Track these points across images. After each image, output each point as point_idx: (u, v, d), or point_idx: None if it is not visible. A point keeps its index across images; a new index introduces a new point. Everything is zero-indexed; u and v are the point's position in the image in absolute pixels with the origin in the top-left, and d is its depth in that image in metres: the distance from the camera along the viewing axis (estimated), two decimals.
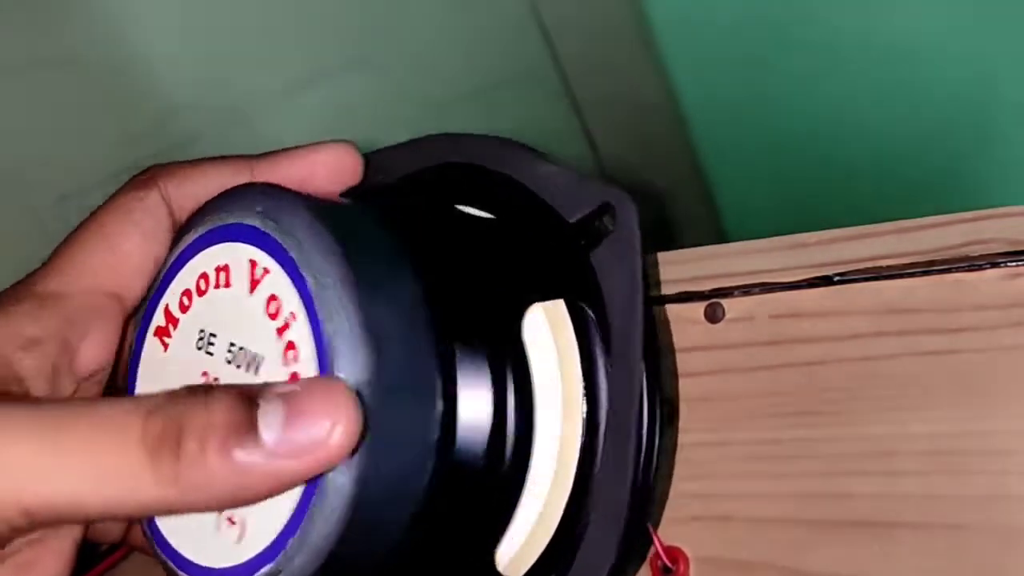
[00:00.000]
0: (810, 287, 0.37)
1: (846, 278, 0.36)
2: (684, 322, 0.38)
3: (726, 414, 0.37)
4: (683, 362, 0.38)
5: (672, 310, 0.38)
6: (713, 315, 0.38)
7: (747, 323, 0.37)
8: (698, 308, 0.38)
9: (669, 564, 0.37)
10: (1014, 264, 0.34)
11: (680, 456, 0.37)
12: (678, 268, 0.38)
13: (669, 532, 0.37)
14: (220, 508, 0.28)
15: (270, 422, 0.26)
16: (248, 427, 0.26)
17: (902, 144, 0.74)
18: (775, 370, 0.37)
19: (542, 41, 0.79)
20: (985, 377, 0.34)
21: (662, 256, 0.39)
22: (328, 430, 0.26)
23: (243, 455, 0.26)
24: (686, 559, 0.37)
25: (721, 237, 0.83)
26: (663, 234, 0.81)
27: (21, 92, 0.53)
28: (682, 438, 0.38)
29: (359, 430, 0.26)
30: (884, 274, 0.36)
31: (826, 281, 0.36)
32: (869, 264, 0.36)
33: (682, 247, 0.39)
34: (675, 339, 0.38)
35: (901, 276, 0.35)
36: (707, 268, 0.38)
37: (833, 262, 0.36)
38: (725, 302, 0.38)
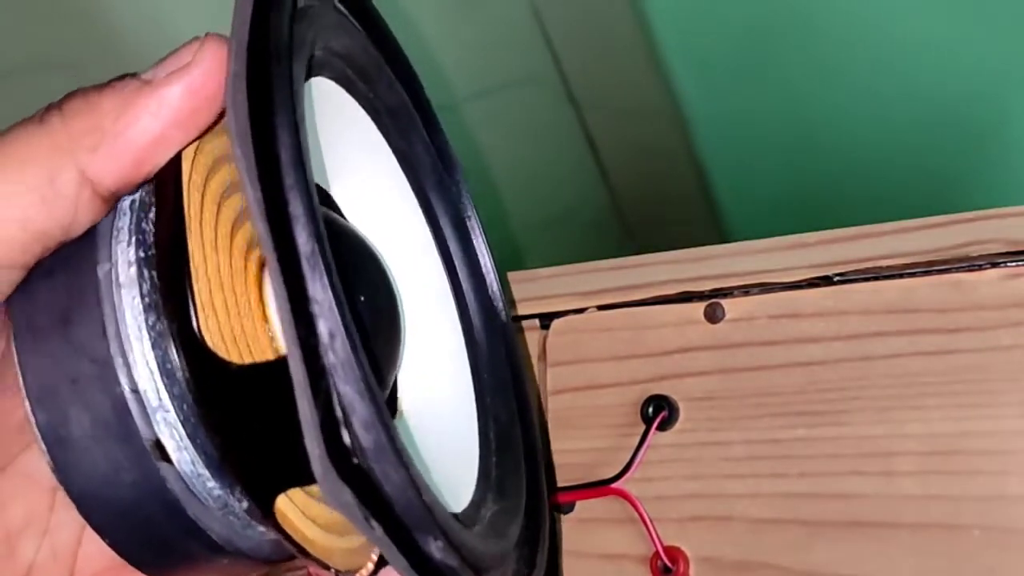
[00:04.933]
0: (810, 287, 0.37)
1: (846, 278, 0.36)
2: (684, 322, 0.38)
3: (726, 414, 0.37)
4: (683, 362, 0.38)
5: (672, 310, 0.38)
6: (713, 315, 0.38)
7: (747, 323, 0.37)
8: (698, 308, 0.38)
9: (669, 564, 0.37)
10: (1014, 264, 0.34)
11: (680, 456, 0.38)
12: (678, 268, 0.38)
13: (669, 532, 0.37)
14: (126, 160, 0.27)
15: (147, 71, 0.28)
16: (127, 76, 0.28)
17: (902, 144, 0.74)
18: (775, 370, 0.37)
19: (544, 45, 0.79)
20: (984, 377, 0.34)
21: (662, 256, 0.39)
22: (194, 48, 0.27)
23: (122, 85, 0.27)
24: (686, 559, 0.37)
25: (721, 237, 0.83)
26: (663, 234, 0.81)
27: (20, 95, 0.54)
28: (682, 438, 0.38)
29: (223, 47, 0.27)
30: (884, 274, 0.36)
31: (826, 281, 0.36)
32: (869, 264, 0.36)
33: (682, 247, 0.39)
34: (675, 339, 0.38)
35: (901, 276, 0.35)
36: (707, 268, 0.38)
37: (833, 262, 0.36)
38: (725, 302, 0.38)
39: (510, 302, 0.41)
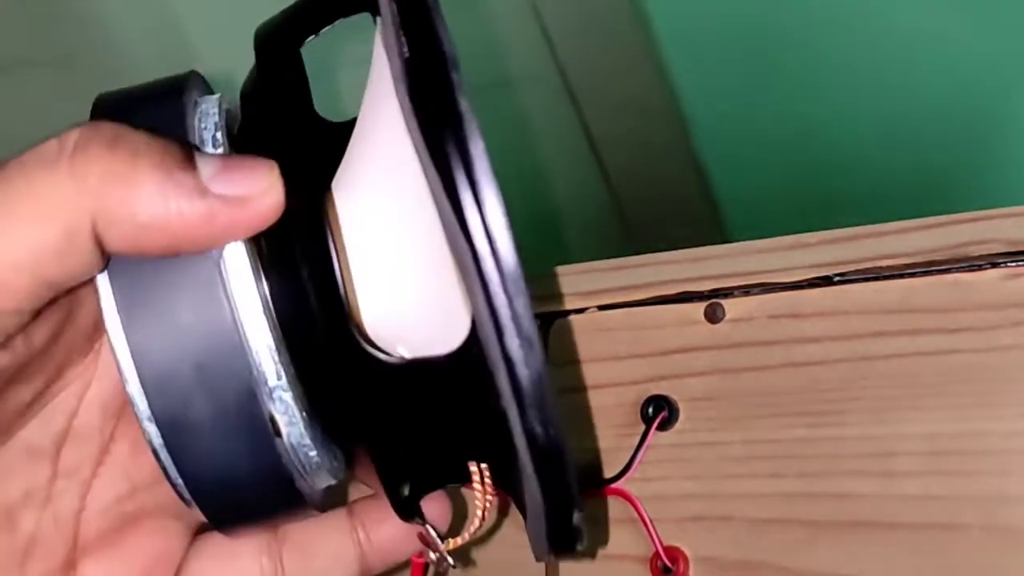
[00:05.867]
0: (810, 287, 0.37)
1: (846, 278, 0.36)
2: (684, 322, 0.38)
3: (726, 414, 0.37)
4: (683, 362, 0.38)
5: (672, 310, 0.38)
6: (713, 315, 0.38)
7: (747, 323, 0.37)
8: (698, 308, 0.38)
9: (669, 564, 0.37)
10: (1014, 264, 0.34)
11: (680, 456, 0.37)
12: (678, 268, 0.38)
13: (669, 532, 0.37)
14: (148, 245, 0.26)
15: (208, 163, 0.26)
16: (185, 157, 0.26)
17: (902, 145, 0.74)
18: (775, 370, 0.37)
19: (543, 43, 0.79)
20: (984, 377, 0.34)
21: (662, 256, 0.39)
22: (262, 187, 0.26)
23: (178, 176, 0.25)
24: (686, 559, 0.37)
25: (721, 237, 0.83)
26: (663, 234, 0.81)
27: (11, 92, 0.53)
28: (682, 438, 0.38)
29: (281, 207, 0.26)
30: (884, 274, 0.36)
31: (826, 281, 0.36)
32: (869, 264, 0.36)
33: (682, 247, 0.39)
34: (675, 339, 0.38)
35: (901, 276, 0.35)
36: (707, 268, 0.38)
37: (833, 262, 0.36)
38: (725, 302, 0.38)
39: None
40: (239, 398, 0.27)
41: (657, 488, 0.37)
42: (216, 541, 0.32)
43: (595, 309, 0.40)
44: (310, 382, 0.28)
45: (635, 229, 0.85)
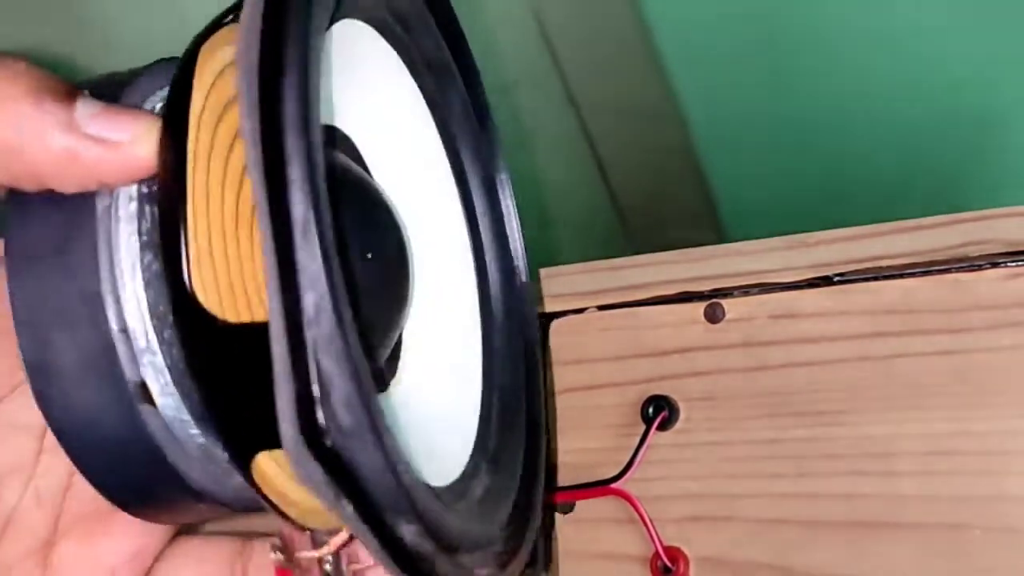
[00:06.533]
0: (810, 287, 0.37)
1: (846, 278, 0.36)
2: (684, 322, 0.38)
3: (726, 414, 0.37)
4: (683, 362, 0.38)
5: (672, 310, 0.38)
6: (713, 315, 0.38)
7: (747, 323, 0.37)
8: (698, 308, 0.38)
9: (669, 564, 0.37)
10: (1014, 264, 0.34)
11: (680, 456, 0.38)
12: (678, 268, 0.38)
13: (669, 532, 0.37)
14: (15, 172, 0.26)
15: (89, 105, 0.26)
16: (66, 93, 0.26)
17: (902, 144, 0.74)
18: (775, 370, 0.37)
19: (544, 46, 0.79)
20: (984, 377, 0.34)
21: (662, 256, 0.39)
22: (138, 134, 0.25)
23: (48, 107, 0.25)
24: (686, 559, 0.37)
25: (721, 237, 0.83)
26: (663, 234, 0.81)
27: None
28: (682, 438, 0.38)
29: (151, 160, 0.25)
30: (884, 274, 0.36)
31: (826, 281, 0.36)
32: (869, 264, 0.36)
33: (682, 247, 0.39)
34: (675, 339, 0.38)
35: (901, 276, 0.35)
36: (707, 268, 0.38)
37: (833, 262, 0.36)
38: (725, 302, 0.38)
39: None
40: (102, 352, 0.26)
41: (657, 488, 0.37)
42: (191, 543, 0.32)
43: (595, 309, 0.40)
44: (181, 349, 0.26)
45: (635, 229, 0.85)
